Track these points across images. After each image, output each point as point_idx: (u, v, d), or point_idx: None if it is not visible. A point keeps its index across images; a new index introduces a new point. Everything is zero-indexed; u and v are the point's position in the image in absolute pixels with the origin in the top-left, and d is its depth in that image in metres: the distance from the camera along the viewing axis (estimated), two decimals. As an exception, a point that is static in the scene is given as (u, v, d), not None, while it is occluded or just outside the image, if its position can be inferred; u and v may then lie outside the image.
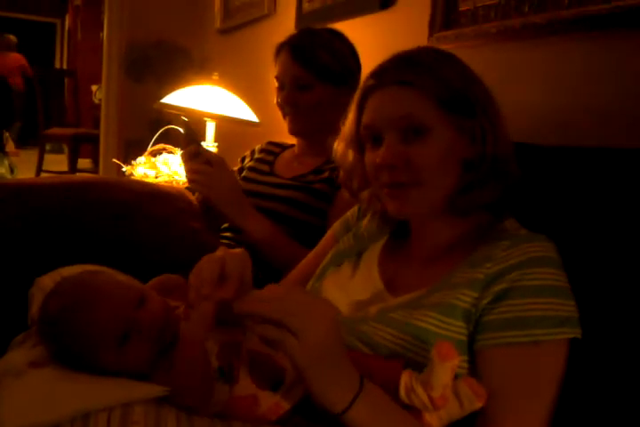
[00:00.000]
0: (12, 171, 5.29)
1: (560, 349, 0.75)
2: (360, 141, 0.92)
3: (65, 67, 9.53)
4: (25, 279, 1.02)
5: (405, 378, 0.71)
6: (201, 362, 0.70)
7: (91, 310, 0.72)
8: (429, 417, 0.71)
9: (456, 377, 0.70)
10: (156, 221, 1.36)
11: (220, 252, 0.77)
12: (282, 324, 0.63)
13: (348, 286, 0.95)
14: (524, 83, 1.25)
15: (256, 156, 1.69)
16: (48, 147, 5.57)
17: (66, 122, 6.05)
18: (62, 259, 1.06)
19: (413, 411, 0.71)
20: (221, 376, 0.72)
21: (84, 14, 8.13)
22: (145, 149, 2.20)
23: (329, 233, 1.15)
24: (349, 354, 0.72)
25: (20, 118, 8.33)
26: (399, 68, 0.85)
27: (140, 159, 2.13)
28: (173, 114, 2.10)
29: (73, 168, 4.74)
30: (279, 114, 1.54)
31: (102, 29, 3.45)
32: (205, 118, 2.12)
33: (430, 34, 1.47)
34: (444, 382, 0.68)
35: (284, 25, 2.26)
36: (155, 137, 2.30)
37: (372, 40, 1.69)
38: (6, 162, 5.28)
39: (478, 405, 0.70)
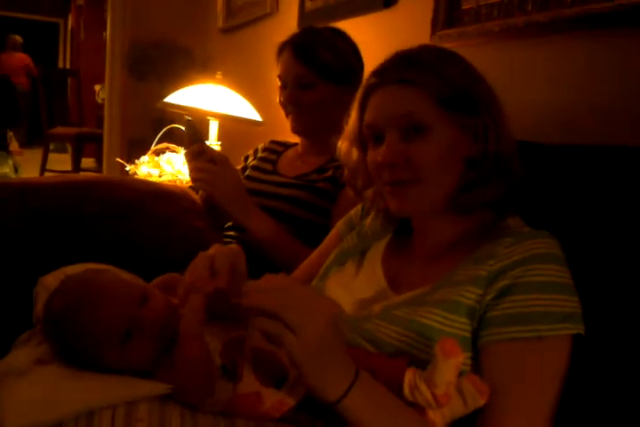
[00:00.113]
0: (15, 170, 5.31)
1: (563, 344, 0.75)
2: (363, 140, 0.92)
3: (68, 66, 9.55)
4: (29, 278, 1.02)
5: (409, 376, 0.71)
6: (202, 360, 0.71)
7: (94, 308, 0.72)
8: (433, 415, 0.71)
9: (460, 374, 0.70)
10: (160, 220, 1.37)
11: (212, 249, 0.79)
12: (279, 318, 0.63)
13: (352, 284, 0.95)
14: (528, 81, 1.25)
15: (259, 155, 1.69)
16: (52, 146, 5.59)
17: (69, 121, 6.06)
18: (66, 258, 1.06)
19: (417, 409, 0.71)
20: (225, 374, 0.72)
21: (86, 14, 8.15)
22: (148, 148, 2.20)
23: (332, 232, 1.15)
24: (353, 352, 0.72)
25: (27, 118, 8.39)
26: (400, 67, 0.85)
27: (144, 158, 2.13)
28: (177, 113, 2.10)
29: (76, 167, 4.75)
30: (282, 113, 1.54)
31: (105, 29, 3.46)
32: (208, 117, 2.13)
33: (433, 32, 1.47)
34: (448, 379, 0.68)
35: (287, 24, 2.26)
36: (158, 136, 2.30)
37: (374, 38, 1.69)
38: (10, 161, 5.30)
39: (481, 402, 0.70)
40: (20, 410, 0.66)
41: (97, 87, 6.23)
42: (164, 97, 2.05)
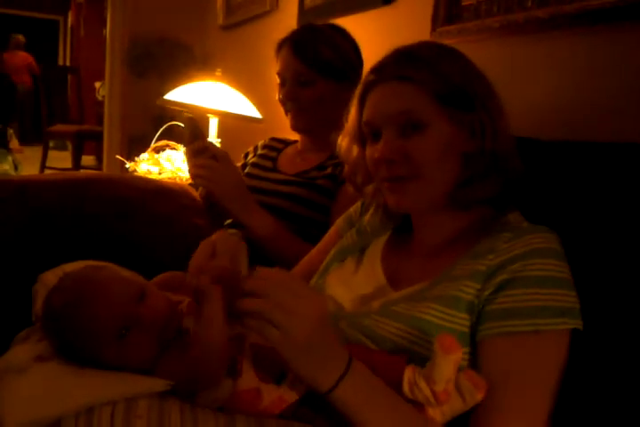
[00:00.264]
0: (15, 168, 5.32)
1: (561, 339, 0.76)
2: (362, 136, 0.92)
3: (68, 64, 9.56)
4: (29, 276, 1.02)
5: (409, 373, 0.71)
6: (222, 346, 0.70)
7: (91, 305, 0.72)
8: (432, 412, 0.71)
9: (458, 370, 0.70)
10: (160, 218, 1.37)
11: (214, 236, 0.80)
12: (266, 319, 0.63)
13: (352, 281, 0.95)
14: (528, 77, 1.25)
15: (259, 152, 1.69)
16: (52, 144, 5.60)
17: (69, 119, 6.06)
18: (66, 255, 1.06)
19: (417, 406, 0.71)
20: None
21: (86, 11, 8.15)
22: (148, 146, 2.21)
23: (332, 229, 1.15)
24: (353, 349, 0.72)
25: (30, 116, 8.50)
26: (398, 64, 0.86)
27: (144, 156, 2.13)
28: (177, 110, 2.10)
29: (77, 165, 4.75)
30: (282, 110, 1.54)
31: (105, 26, 3.46)
32: (208, 114, 2.13)
33: (433, 29, 1.47)
34: (447, 375, 0.68)
35: (287, 21, 2.25)
36: (158, 133, 2.30)
37: (374, 35, 1.69)
38: (10, 159, 5.31)
39: (479, 397, 0.70)
40: (19, 407, 0.66)
41: (97, 84, 6.23)
42: (164, 94, 2.05)
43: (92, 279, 0.76)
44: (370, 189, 0.98)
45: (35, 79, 7.71)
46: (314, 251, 1.16)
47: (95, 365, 0.72)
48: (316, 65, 1.42)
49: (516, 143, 0.89)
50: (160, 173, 2.07)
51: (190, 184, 1.61)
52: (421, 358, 0.73)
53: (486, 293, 0.77)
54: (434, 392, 0.69)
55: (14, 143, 6.02)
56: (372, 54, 1.28)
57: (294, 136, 1.64)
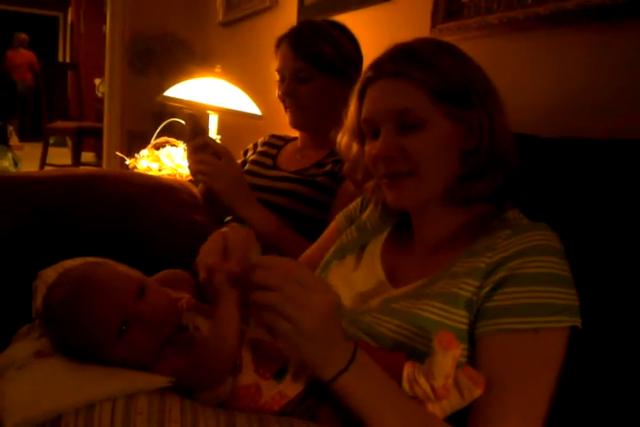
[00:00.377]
0: (15, 164, 5.31)
1: (559, 337, 0.76)
2: (362, 133, 0.92)
3: (68, 60, 9.56)
4: (29, 272, 1.02)
5: (408, 369, 0.72)
6: (234, 343, 0.70)
7: (89, 301, 0.72)
8: (432, 408, 0.72)
9: (457, 366, 0.71)
10: (159, 215, 1.37)
11: (225, 229, 0.79)
12: (277, 313, 0.63)
13: (351, 278, 0.95)
14: (528, 74, 1.25)
15: (259, 149, 1.69)
16: (52, 140, 5.58)
17: (69, 115, 6.05)
18: (65, 252, 1.06)
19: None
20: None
21: (86, 7, 8.13)
22: (148, 142, 2.21)
23: (332, 225, 1.15)
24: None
25: (31, 113, 8.62)
26: (396, 60, 0.85)
27: (144, 152, 2.13)
28: (177, 107, 2.10)
29: (76, 161, 4.74)
30: (282, 107, 1.54)
31: (105, 22, 3.45)
32: (208, 111, 2.12)
33: (433, 25, 1.47)
34: (446, 371, 0.69)
35: (286, 17, 2.25)
36: (158, 130, 2.30)
37: (374, 32, 1.68)
38: (10, 155, 5.30)
39: (478, 392, 0.70)
40: (19, 403, 0.66)
41: (97, 81, 6.23)
42: (164, 90, 2.05)
43: (92, 275, 0.76)
44: (370, 185, 0.98)
45: (36, 76, 7.75)
46: (314, 246, 1.16)
47: (95, 361, 0.72)
48: (315, 61, 1.42)
49: (514, 140, 0.88)
50: (160, 170, 2.07)
51: (190, 181, 1.61)
52: (420, 355, 0.73)
53: (485, 290, 0.77)
54: (433, 388, 0.69)
55: (14, 140, 6.02)
56: (371, 51, 1.28)
57: (294, 133, 1.64)
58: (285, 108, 1.51)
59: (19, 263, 1.13)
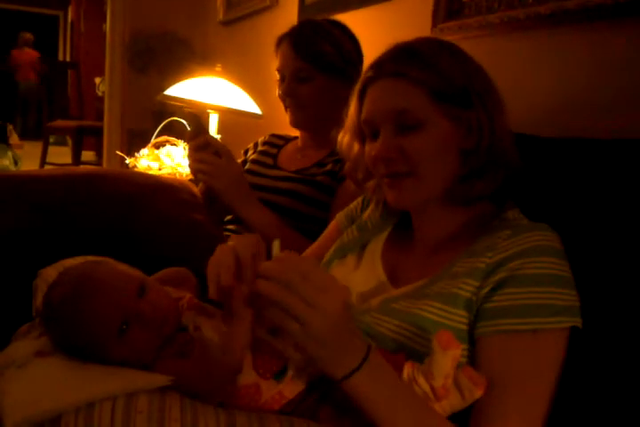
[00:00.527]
0: (15, 163, 5.32)
1: (559, 338, 0.76)
2: (362, 133, 0.92)
3: (68, 59, 9.56)
4: (29, 271, 1.02)
5: (408, 369, 0.72)
6: (241, 354, 0.70)
7: (89, 300, 0.72)
8: (432, 408, 0.72)
9: (457, 367, 0.71)
10: (159, 214, 1.36)
11: (231, 242, 0.77)
12: (289, 312, 0.62)
13: (352, 278, 0.95)
14: (528, 74, 1.25)
15: (259, 148, 1.69)
16: (52, 139, 5.58)
17: (69, 114, 6.05)
18: (65, 250, 1.06)
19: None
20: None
21: (86, 6, 8.13)
22: (148, 141, 2.20)
23: (332, 224, 1.15)
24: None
25: (35, 112, 8.69)
26: (396, 60, 0.85)
27: (144, 151, 2.13)
28: (177, 106, 2.10)
29: (76, 160, 4.74)
30: (282, 106, 1.54)
31: (105, 21, 3.44)
32: (208, 110, 2.12)
33: (434, 25, 1.47)
34: (446, 371, 0.69)
35: (287, 16, 2.25)
36: (158, 129, 2.30)
37: (375, 31, 1.68)
38: (10, 154, 5.30)
39: (478, 393, 0.70)
40: (20, 402, 0.66)
41: (97, 80, 6.22)
42: (164, 89, 2.05)
43: (92, 274, 0.76)
44: (371, 184, 0.98)
45: (41, 75, 7.80)
46: (314, 246, 1.16)
47: (95, 360, 0.72)
48: (315, 61, 1.42)
49: (514, 140, 0.88)
50: (160, 169, 2.06)
51: (190, 180, 1.61)
52: (420, 355, 0.73)
53: (485, 290, 0.77)
54: (432, 388, 0.69)
55: (14, 139, 6.03)
56: (372, 50, 1.28)
57: (294, 132, 1.64)
58: (286, 107, 1.51)
59: (19, 262, 1.13)
